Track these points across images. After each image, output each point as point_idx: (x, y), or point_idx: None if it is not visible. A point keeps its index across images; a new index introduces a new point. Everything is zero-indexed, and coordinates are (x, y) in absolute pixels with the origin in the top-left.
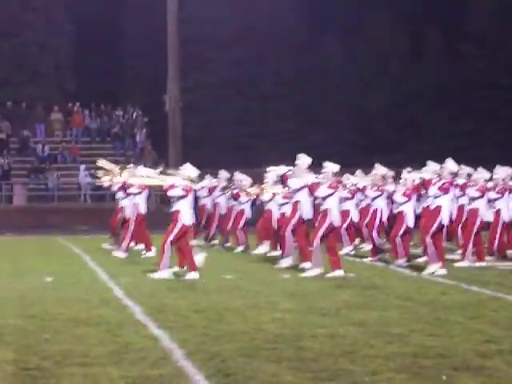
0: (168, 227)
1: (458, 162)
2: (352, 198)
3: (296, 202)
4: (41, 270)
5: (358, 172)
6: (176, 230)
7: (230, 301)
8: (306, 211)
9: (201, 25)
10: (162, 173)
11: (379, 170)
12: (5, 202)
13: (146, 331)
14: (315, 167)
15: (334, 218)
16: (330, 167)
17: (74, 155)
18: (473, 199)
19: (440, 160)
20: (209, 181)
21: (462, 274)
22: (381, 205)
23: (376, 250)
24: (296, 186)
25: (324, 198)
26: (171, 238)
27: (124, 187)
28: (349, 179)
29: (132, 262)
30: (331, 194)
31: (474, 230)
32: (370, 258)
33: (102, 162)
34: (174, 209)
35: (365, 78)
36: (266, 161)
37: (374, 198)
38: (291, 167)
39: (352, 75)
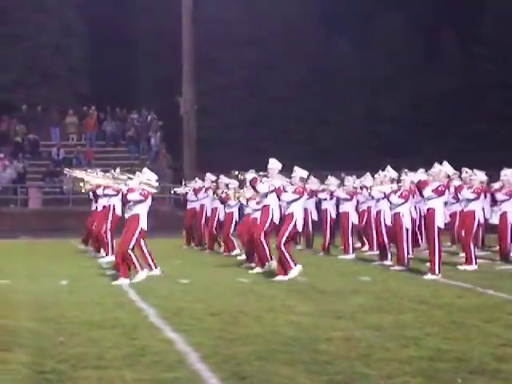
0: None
1: (471, 164)
2: (351, 199)
3: (266, 207)
4: (56, 273)
5: (367, 175)
6: (136, 235)
7: (245, 304)
8: (275, 215)
9: (214, 26)
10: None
11: (390, 173)
12: (20, 206)
13: (160, 334)
14: (328, 169)
15: (298, 222)
16: (298, 172)
17: (89, 159)
18: (469, 201)
19: (453, 162)
20: (194, 183)
21: (477, 277)
22: (384, 207)
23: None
24: (264, 191)
25: (289, 203)
26: (132, 243)
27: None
28: (348, 181)
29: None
30: (296, 199)
31: (473, 233)
32: (377, 262)
33: (67, 171)
34: (131, 213)
35: (378, 79)
36: (279, 163)
37: (378, 200)
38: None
39: (365, 77)
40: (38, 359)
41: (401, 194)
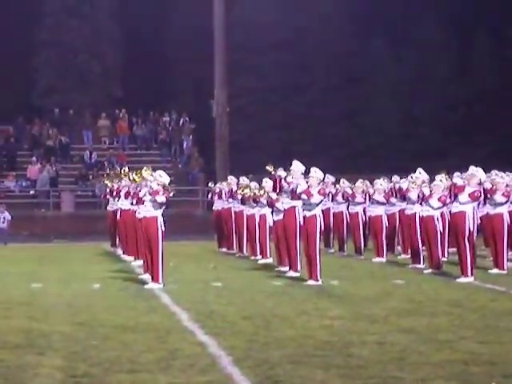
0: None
1: (510, 167)
2: (386, 202)
3: (294, 208)
4: (88, 276)
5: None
6: (160, 239)
7: (278, 307)
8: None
9: (248, 30)
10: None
11: (422, 175)
12: (53, 209)
13: (193, 338)
14: (368, 173)
15: (321, 222)
16: (317, 174)
17: (121, 162)
18: (497, 204)
19: (489, 165)
20: (219, 186)
21: (511, 281)
22: (419, 209)
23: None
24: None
25: (318, 204)
26: (160, 248)
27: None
28: (381, 185)
29: (180, 269)
30: (322, 201)
31: (505, 236)
32: (410, 265)
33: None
34: (149, 214)
35: (413, 81)
36: (314, 167)
37: (415, 203)
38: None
39: (399, 79)
40: (71, 363)
41: (439, 197)
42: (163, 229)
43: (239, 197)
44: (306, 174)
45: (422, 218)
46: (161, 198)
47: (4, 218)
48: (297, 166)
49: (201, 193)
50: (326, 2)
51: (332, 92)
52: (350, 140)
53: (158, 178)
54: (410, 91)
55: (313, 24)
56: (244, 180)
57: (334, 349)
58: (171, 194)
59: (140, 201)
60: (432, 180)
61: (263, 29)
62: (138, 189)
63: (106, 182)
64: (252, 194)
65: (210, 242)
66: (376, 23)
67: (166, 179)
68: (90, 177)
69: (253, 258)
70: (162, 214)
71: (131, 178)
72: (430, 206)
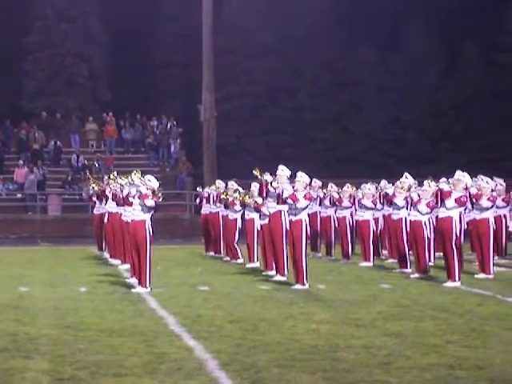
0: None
1: (496, 173)
2: (374, 207)
3: (280, 212)
4: (75, 280)
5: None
6: (149, 243)
7: (265, 311)
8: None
9: (236, 35)
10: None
11: (409, 179)
12: (40, 213)
13: (180, 342)
14: (356, 177)
15: (307, 227)
16: (304, 178)
17: (109, 166)
18: (483, 209)
19: (476, 171)
20: (207, 190)
21: (497, 285)
22: (405, 214)
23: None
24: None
25: (304, 209)
26: (149, 252)
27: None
28: (369, 189)
29: (167, 273)
30: (308, 206)
31: (491, 240)
32: (397, 270)
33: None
34: (137, 218)
35: (401, 88)
36: (301, 171)
37: (399, 208)
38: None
39: (388, 85)
40: (57, 366)
41: (428, 203)
42: (151, 233)
43: (222, 201)
44: (293, 178)
45: (409, 223)
46: (150, 202)
47: None
48: (283, 171)
49: (188, 197)
50: (314, 8)
51: (320, 97)
52: (338, 145)
53: (147, 183)
54: (397, 97)
55: (301, 29)
56: (233, 185)
57: (320, 353)
58: (160, 199)
59: (125, 201)
60: (419, 185)
61: (251, 33)
62: (124, 191)
63: (93, 185)
64: (241, 199)
65: (198, 246)
66: (364, 29)
67: (155, 184)
68: (77, 180)
69: (228, 259)
70: (151, 218)
71: (119, 182)
72: (419, 212)
